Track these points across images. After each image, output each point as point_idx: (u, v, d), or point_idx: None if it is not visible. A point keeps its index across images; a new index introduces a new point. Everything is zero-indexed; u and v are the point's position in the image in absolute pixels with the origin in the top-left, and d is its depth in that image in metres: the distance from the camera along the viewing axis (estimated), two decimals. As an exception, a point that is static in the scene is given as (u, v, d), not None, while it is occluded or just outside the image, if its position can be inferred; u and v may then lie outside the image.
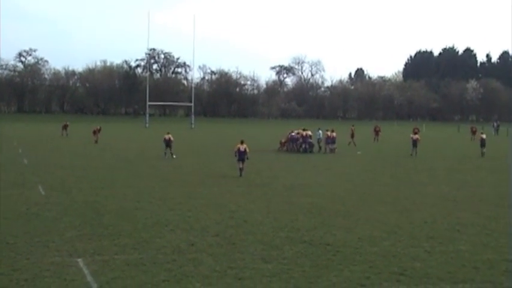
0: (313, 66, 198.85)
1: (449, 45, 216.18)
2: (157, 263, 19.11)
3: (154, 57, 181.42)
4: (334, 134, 64.75)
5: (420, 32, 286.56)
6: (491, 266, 19.53)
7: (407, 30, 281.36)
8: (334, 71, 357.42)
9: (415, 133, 72.89)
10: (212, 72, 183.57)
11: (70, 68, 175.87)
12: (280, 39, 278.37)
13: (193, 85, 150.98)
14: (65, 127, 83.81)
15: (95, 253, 20.15)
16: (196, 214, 27.42)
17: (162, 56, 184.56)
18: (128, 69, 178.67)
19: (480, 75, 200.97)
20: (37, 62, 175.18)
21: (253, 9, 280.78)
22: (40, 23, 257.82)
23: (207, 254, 20.24)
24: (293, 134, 65.12)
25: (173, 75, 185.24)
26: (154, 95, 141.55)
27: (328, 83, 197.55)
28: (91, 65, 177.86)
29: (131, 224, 24.90)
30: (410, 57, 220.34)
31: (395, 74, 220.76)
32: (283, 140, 65.46)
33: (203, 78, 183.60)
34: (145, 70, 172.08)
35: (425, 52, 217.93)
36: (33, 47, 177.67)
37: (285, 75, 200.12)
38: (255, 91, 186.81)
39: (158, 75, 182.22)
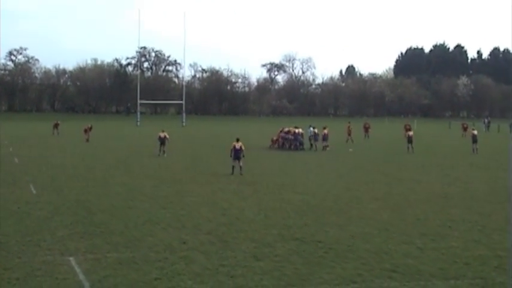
0: (304, 64, 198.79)
1: (440, 41, 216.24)
2: (149, 261, 19.12)
3: (145, 56, 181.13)
4: (326, 131, 64.78)
5: (411, 28, 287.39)
6: (483, 262, 19.59)
7: (398, 26, 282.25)
8: (325, 68, 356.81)
9: (409, 130, 73.11)
10: (203, 70, 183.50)
11: (61, 67, 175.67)
12: (271, 37, 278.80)
13: (184, 83, 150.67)
14: (56, 126, 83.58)
15: (86, 252, 20.14)
16: (188, 212, 27.43)
17: (153, 54, 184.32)
18: (119, 67, 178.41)
19: (471, 71, 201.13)
20: (27, 61, 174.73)
21: (243, 6, 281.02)
22: (30, 21, 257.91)
23: (198, 252, 20.26)
24: (284, 131, 65.20)
25: (164, 74, 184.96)
26: (146, 93, 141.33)
27: (319, 80, 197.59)
28: (82, 64, 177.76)
29: (123, 223, 24.89)
30: (401, 53, 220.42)
31: (386, 70, 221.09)
32: (274, 138, 65.49)
33: (194, 76, 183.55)
34: (136, 68, 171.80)
35: (416, 49, 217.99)
36: (23, 46, 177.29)
37: (276, 73, 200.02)
38: (246, 89, 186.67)
39: (149, 73, 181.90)
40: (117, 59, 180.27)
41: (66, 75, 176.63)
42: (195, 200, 30.73)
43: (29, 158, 50.40)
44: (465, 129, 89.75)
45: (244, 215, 26.90)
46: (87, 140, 69.15)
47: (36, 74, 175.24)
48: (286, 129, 65.58)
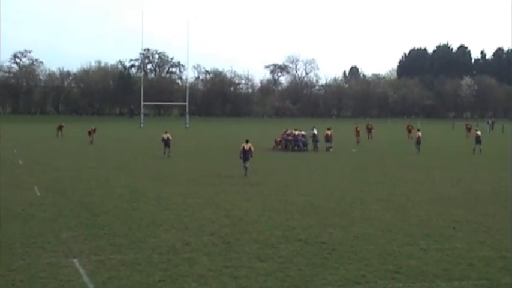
0: (307, 65, 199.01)
1: (443, 42, 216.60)
2: (152, 262, 19.11)
3: (148, 57, 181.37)
4: (329, 132, 64.83)
5: (414, 29, 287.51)
6: (487, 263, 19.55)
7: (401, 27, 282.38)
8: (329, 69, 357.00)
9: (410, 130, 73.14)
10: (206, 72, 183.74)
11: (65, 69, 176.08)
12: (274, 38, 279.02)
13: (187, 85, 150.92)
14: (60, 128, 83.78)
15: (90, 253, 20.14)
16: (192, 213, 27.43)
17: (157, 56, 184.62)
18: (123, 69, 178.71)
19: (474, 72, 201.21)
20: (32, 63, 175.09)
21: (247, 8, 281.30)
22: (35, 24, 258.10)
23: (202, 254, 20.25)
24: (286, 134, 65.35)
25: (167, 75, 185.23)
26: (149, 95, 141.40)
27: (322, 82, 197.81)
28: (86, 66, 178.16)
29: (126, 224, 24.90)
30: (405, 54, 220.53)
31: (390, 71, 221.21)
32: (278, 139, 65.52)
33: (197, 78, 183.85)
34: (139, 70, 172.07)
35: (420, 49, 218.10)
36: (28, 48, 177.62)
37: (279, 74, 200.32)
38: (250, 90, 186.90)
39: (153, 75, 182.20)
40: (120, 61, 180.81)
41: (70, 78, 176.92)
42: (198, 202, 30.73)
43: (33, 160, 50.46)
44: (469, 129, 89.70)
45: (248, 216, 26.90)
46: (91, 142, 69.21)
47: (41, 77, 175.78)
48: (288, 132, 65.69)
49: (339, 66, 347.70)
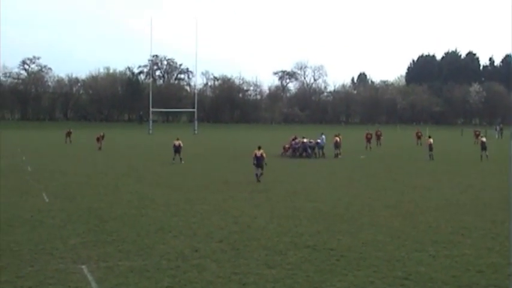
0: (315, 71, 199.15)
1: (451, 49, 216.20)
2: (161, 269, 19.11)
3: (157, 64, 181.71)
4: (338, 138, 64.91)
5: (422, 36, 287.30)
6: (496, 270, 19.51)
7: (409, 34, 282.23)
8: (337, 76, 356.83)
9: (421, 137, 73.12)
10: (215, 78, 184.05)
11: (73, 76, 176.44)
12: (282, 45, 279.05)
13: (196, 91, 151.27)
14: (69, 134, 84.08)
15: (99, 260, 20.15)
16: (200, 220, 27.44)
17: (165, 62, 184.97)
18: (131, 75, 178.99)
19: (483, 78, 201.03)
20: (41, 70, 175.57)
21: (255, 14, 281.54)
22: (43, 30, 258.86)
23: (210, 260, 20.24)
24: (295, 141, 65.50)
25: (176, 82, 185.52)
26: (158, 101, 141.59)
27: (330, 88, 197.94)
28: (94, 72, 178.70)
29: (135, 231, 24.91)
30: (413, 61, 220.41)
31: (398, 78, 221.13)
32: (286, 146, 65.57)
33: (206, 84, 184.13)
34: (148, 77, 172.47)
35: (428, 56, 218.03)
36: (36, 55, 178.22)
37: (287, 81, 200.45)
38: (258, 96, 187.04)
39: (161, 81, 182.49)
40: (129, 68, 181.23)
41: (79, 84, 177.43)
42: (206, 208, 30.74)
43: (41, 167, 50.57)
44: (477, 136, 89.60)
45: (256, 223, 26.89)
46: (100, 148, 69.38)
47: (49, 83, 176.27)
48: (297, 140, 65.80)
49: (347, 73, 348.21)
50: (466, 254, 21.50)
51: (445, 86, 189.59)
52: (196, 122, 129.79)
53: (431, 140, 64.76)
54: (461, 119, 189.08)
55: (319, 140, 65.71)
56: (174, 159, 54.71)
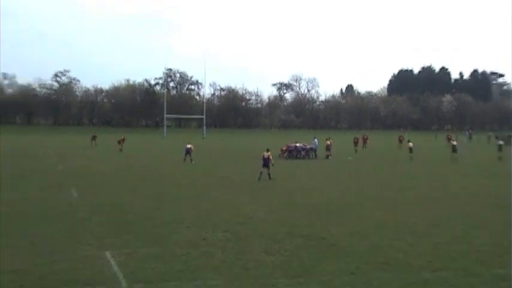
0: (309, 83, 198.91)
1: (427, 64, 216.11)
2: (174, 255, 19.13)
3: (170, 76, 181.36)
4: (328, 142, 65.07)
5: (402, 53, 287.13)
6: (465, 256, 19.54)
7: (391, 51, 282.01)
8: (328, 87, 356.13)
9: (403, 141, 73.45)
10: (221, 89, 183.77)
11: (98, 86, 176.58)
12: (280, 59, 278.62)
13: (204, 100, 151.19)
14: (94, 138, 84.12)
15: (120, 247, 20.18)
16: (208, 213, 27.44)
17: (178, 75, 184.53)
18: (148, 86, 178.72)
19: (454, 90, 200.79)
20: (70, 82, 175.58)
21: (257, 33, 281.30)
22: (73, 47, 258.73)
23: (217, 248, 20.26)
24: (291, 145, 65.56)
25: (187, 92, 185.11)
26: (171, 109, 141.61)
27: (322, 98, 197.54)
28: (116, 83, 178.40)
29: (151, 222, 24.93)
30: (394, 74, 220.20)
31: (381, 89, 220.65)
32: (283, 148, 65.56)
33: (213, 94, 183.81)
34: (163, 87, 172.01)
35: (407, 70, 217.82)
36: (67, 69, 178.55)
37: (284, 91, 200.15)
38: (259, 105, 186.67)
39: (174, 91, 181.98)
40: (146, 79, 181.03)
41: (103, 94, 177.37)
42: (213, 203, 30.74)
43: (70, 166, 50.60)
44: (449, 140, 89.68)
45: (257, 215, 26.90)
46: (121, 150, 69.38)
47: (78, 93, 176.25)
48: (292, 145, 65.84)
49: (336, 85, 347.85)
50: (439, 243, 21.52)
51: (422, 97, 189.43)
52: (204, 128, 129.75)
53: (410, 144, 65.47)
54: (436, 125, 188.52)
55: (313, 146, 65.92)
56: (185, 160, 54.78)
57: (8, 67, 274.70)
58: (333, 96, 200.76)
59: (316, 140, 67.51)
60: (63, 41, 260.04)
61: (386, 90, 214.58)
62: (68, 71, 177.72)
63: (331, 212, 28.12)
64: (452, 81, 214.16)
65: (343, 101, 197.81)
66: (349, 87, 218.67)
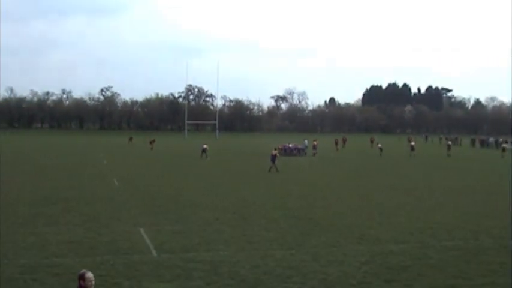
0: (300, 96, 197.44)
1: (392, 81, 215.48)
2: (193, 231, 19.19)
3: (190, 91, 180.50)
4: (315, 142, 65.19)
5: (373, 72, 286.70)
6: (421, 232, 19.60)
7: (364, 71, 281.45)
8: (315, 99, 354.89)
9: (373, 142, 73.71)
10: (230, 100, 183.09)
11: (134, 99, 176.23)
12: (277, 77, 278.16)
13: (217, 109, 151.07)
14: (131, 139, 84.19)
15: (151, 225, 20.25)
16: (220, 198, 27.49)
17: (196, 89, 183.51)
18: (173, 98, 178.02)
19: (413, 102, 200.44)
20: (113, 95, 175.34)
21: (259, 57, 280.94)
22: (115, 68, 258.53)
23: (227, 226, 20.32)
24: (286, 145, 65.59)
25: (203, 103, 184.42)
26: (191, 116, 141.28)
27: (310, 107, 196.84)
28: (148, 96, 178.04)
29: (175, 205, 25.00)
30: (367, 89, 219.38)
31: (357, 101, 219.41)
32: (280, 147, 65.50)
33: (224, 105, 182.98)
34: (184, 99, 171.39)
35: (377, 86, 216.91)
36: (110, 85, 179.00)
37: (280, 102, 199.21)
38: (260, 113, 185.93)
39: (193, 102, 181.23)
40: (172, 93, 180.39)
41: (138, 104, 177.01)
42: (224, 190, 30.80)
43: (113, 161, 50.66)
44: (409, 141, 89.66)
45: (259, 200, 26.94)
46: (152, 149, 69.38)
47: (118, 104, 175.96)
48: (286, 146, 65.76)
49: (321, 97, 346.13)
50: (401, 222, 21.57)
51: (388, 107, 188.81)
52: (217, 131, 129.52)
53: (380, 145, 65.79)
54: (399, 129, 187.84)
55: (303, 146, 66.10)
56: (201, 156, 54.77)
57: (66, 84, 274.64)
58: (319, 106, 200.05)
59: (306, 141, 67.74)
60: (108, 63, 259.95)
61: (361, 102, 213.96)
62: (111, 87, 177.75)
63: (316, 198, 28.18)
64: (412, 94, 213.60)
65: (327, 110, 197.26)
66: (332, 99, 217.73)
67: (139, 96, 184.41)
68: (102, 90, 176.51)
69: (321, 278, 13.84)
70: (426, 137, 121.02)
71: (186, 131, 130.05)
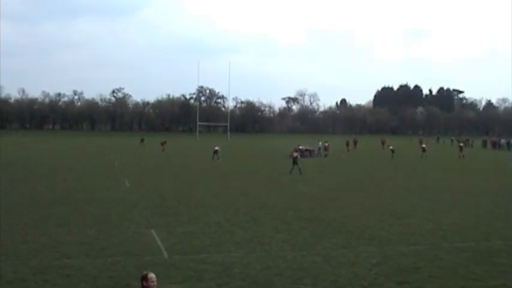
0: (311, 97, 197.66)
1: (404, 82, 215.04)
2: (204, 233, 19.20)
3: (202, 92, 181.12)
4: (326, 144, 65.13)
5: (385, 73, 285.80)
6: (432, 234, 19.50)
7: (376, 73, 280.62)
8: (326, 101, 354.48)
9: (383, 143, 73.39)
10: (242, 102, 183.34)
11: (145, 100, 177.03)
12: (288, 79, 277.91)
13: (228, 111, 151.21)
14: (142, 140, 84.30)
15: (163, 226, 20.27)
16: (231, 200, 27.49)
17: (208, 91, 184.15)
18: (184, 100, 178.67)
19: (425, 103, 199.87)
20: (124, 96, 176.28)
21: (270, 58, 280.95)
22: (126, 69, 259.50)
23: (238, 227, 20.31)
24: (299, 147, 65.58)
25: (215, 104, 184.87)
26: (202, 117, 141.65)
27: (321, 109, 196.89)
28: (159, 98, 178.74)
29: (186, 206, 25.02)
30: (378, 90, 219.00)
31: (368, 102, 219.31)
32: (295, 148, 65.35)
33: (235, 106, 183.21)
34: (196, 101, 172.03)
35: (388, 88, 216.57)
36: (122, 86, 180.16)
37: (291, 104, 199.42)
38: (271, 115, 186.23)
39: (205, 104, 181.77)
40: (183, 95, 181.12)
41: (149, 105, 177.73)
42: (236, 191, 30.79)
43: (124, 162, 50.80)
44: (421, 143, 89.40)
45: (270, 202, 26.92)
46: (163, 150, 69.54)
47: (130, 105, 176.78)
48: (298, 147, 65.73)
49: (333, 98, 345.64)
50: (412, 223, 21.48)
51: (400, 108, 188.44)
52: (229, 132, 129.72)
53: (391, 147, 65.66)
54: (410, 131, 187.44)
55: (314, 148, 66.06)
56: (213, 158, 54.83)
57: (78, 85, 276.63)
58: (330, 107, 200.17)
59: (320, 143, 67.77)
60: (119, 65, 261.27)
61: (372, 103, 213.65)
62: (122, 88, 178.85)
63: (328, 199, 28.10)
64: (424, 96, 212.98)
65: (338, 112, 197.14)
66: (343, 101, 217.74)
67: (151, 98, 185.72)
68: (113, 91, 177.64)
69: (332, 280, 13.80)
70: (438, 138, 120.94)
71: (197, 132, 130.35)
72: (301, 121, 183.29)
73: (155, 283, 8.18)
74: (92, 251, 16.45)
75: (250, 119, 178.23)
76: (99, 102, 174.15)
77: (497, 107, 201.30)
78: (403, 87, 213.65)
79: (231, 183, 34.86)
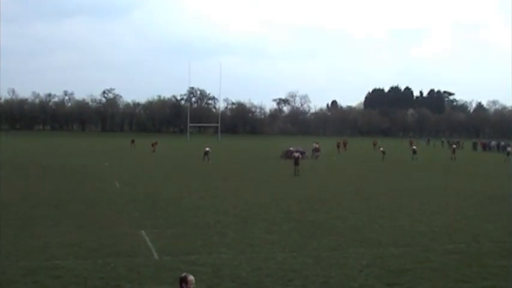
0: (302, 99, 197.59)
1: (395, 84, 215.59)
2: (195, 234, 19.19)
3: (193, 93, 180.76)
4: (317, 145, 65.18)
5: (376, 75, 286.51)
6: (423, 235, 19.58)
7: (366, 74, 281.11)
8: (317, 102, 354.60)
9: (375, 145, 73.57)
10: (233, 103, 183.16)
11: (136, 101, 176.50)
12: (279, 80, 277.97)
13: (219, 112, 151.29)
14: (133, 141, 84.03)
15: (152, 227, 20.25)
16: (221, 201, 27.49)
17: (198, 92, 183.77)
18: (175, 101, 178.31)
19: (416, 105, 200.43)
20: (115, 97, 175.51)
21: (261, 60, 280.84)
22: (116, 70, 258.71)
23: (228, 229, 20.31)
24: (290, 149, 65.53)
25: (206, 105, 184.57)
26: (193, 118, 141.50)
27: (312, 110, 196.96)
28: (150, 99, 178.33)
29: (176, 208, 24.99)
30: (369, 92, 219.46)
31: (359, 104, 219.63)
32: (284, 151, 65.29)
33: (226, 107, 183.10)
34: (187, 102, 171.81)
35: (379, 89, 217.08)
36: (112, 87, 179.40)
37: (282, 105, 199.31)
38: (262, 116, 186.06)
39: (195, 105, 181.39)
40: (174, 96, 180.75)
41: (140, 106, 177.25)
42: (225, 193, 30.79)
43: (114, 163, 50.65)
44: (411, 144, 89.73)
45: (260, 203, 26.93)
46: (154, 151, 69.39)
47: (120, 106, 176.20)
48: (289, 149, 65.68)
49: (324, 100, 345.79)
50: (402, 225, 21.57)
51: (390, 110, 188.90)
52: (219, 133, 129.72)
53: (382, 148, 65.80)
54: (401, 132, 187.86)
55: (307, 150, 65.91)
56: (204, 159, 54.72)
57: (68, 86, 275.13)
58: (321, 109, 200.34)
59: (316, 145, 66.80)
60: (110, 65, 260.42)
61: (362, 105, 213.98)
62: (113, 89, 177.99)
63: (318, 201, 28.15)
64: (414, 98, 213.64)
65: (329, 113, 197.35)
66: (334, 102, 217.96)
67: (142, 99, 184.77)
68: (104, 92, 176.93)
69: (322, 281, 13.84)
70: (428, 140, 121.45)
71: (188, 133, 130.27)
72: (292, 122, 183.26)
73: (194, 285, 8.15)
74: (82, 252, 16.40)
75: (241, 120, 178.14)
76: (90, 103, 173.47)
77: (487, 109, 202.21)
78: (394, 89, 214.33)
79: (221, 184, 34.85)
